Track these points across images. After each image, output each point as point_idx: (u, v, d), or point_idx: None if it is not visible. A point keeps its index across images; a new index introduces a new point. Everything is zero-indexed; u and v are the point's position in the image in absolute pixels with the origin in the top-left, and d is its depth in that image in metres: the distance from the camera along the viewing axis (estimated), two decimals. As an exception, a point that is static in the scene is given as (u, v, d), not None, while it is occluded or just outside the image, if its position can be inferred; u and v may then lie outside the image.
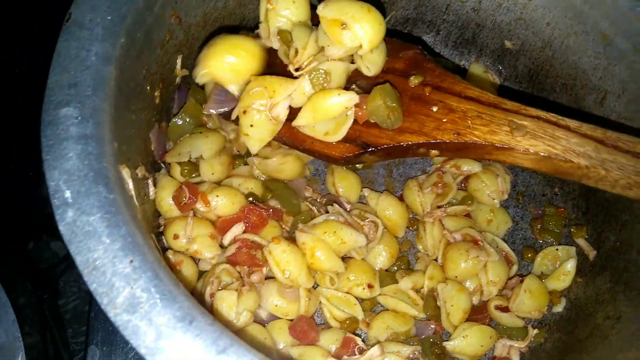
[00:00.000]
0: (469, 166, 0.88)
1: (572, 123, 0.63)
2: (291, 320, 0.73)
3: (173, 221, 0.72)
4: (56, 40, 0.57)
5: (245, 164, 0.83)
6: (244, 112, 0.70)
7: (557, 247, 0.83)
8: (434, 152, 0.70)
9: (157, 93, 0.73)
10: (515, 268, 0.83)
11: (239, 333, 0.64)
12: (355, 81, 0.73)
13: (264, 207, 0.77)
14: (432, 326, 0.77)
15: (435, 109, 0.69)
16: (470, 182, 0.89)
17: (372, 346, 0.71)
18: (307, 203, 0.82)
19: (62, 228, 0.46)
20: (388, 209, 0.85)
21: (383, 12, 0.72)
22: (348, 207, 0.85)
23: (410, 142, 0.69)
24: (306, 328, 0.71)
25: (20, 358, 0.74)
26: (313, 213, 0.81)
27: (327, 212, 0.81)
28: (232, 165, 0.82)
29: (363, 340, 0.74)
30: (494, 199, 0.87)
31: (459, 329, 0.76)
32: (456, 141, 0.67)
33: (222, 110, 0.74)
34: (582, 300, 0.78)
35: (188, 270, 0.71)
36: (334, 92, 0.69)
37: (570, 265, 0.80)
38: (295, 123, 0.71)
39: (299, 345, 0.71)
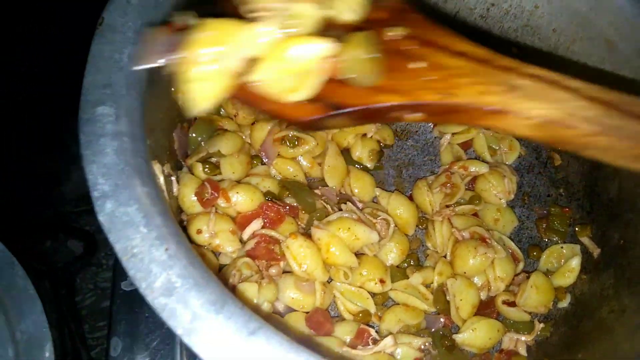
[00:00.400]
0: (476, 167, 0.92)
1: (579, 84, 0.54)
2: (307, 312, 0.76)
3: (196, 217, 0.75)
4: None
5: (262, 163, 0.87)
6: (187, 62, 0.55)
7: (562, 245, 0.86)
8: (417, 115, 0.59)
9: (180, 94, 0.76)
10: (521, 265, 0.85)
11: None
12: (325, 32, 0.59)
13: (281, 204, 0.81)
14: (441, 320, 0.80)
15: (418, 65, 0.58)
16: (477, 182, 0.92)
17: (384, 337, 0.74)
18: (322, 201, 0.85)
19: (101, 218, 0.49)
20: (399, 207, 0.88)
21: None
22: (360, 205, 0.88)
23: (390, 103, 0.58)
24: (322, 320, 0.74)
25: (48, 347, 0.77)
26: (327, 211, 0.84)
27: (340, 210, 0.84)
28: (251, 165, 0.85)
29: (376, 332, 0.77)
30: (500, 199, 0.90)
31: (468, 323, 0.79)
32: (443, 102, 0.57)
33: (159, 61, 0.56)
34: (586, 295, 0.81)
35: (209, 263, 0.74)
36: (305, 39, 0.56)
37: (575, 263, 0.83)
38: (251, 77, 0.56)
39: (315, 336, 0.74)
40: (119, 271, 0.93)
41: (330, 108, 0.60)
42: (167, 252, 0.48)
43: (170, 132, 0.75)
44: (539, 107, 0.54)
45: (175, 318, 0.45)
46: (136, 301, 0.91)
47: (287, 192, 0.84)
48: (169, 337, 0.86)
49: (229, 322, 0.46)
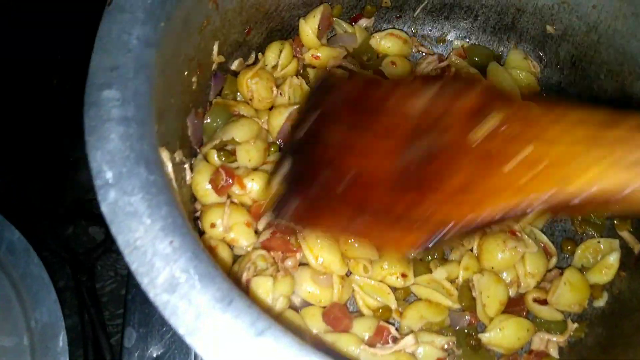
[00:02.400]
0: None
1: None
2: (324, 307, 0.73)
3: (209, 209, 0.73)
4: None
5: (279, 150, 0.83)
6: None
7: (599, 240, 0.81)
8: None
9: (194, 79, 0.73)
10: (554, 260, 0.80)
11: (277, 318, 0.64)
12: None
13: (298, 193, 0.77)
14: (467, 317, 0.76)
15: (524, 153, 0.49)
16: (508, 172, 0.87)
17: (405, 335, 0.70)
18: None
19: (104, 208, 0.47)
20: (423, 198, 0.83)
21: None
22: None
23: (496, 214, 0.50)
24: (339, 315, 0.71)
25: (61, 336, 0.77)
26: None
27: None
28: (268, 152, 0.82)
29: (396, 329, 0.73)
30: (532, 189, 0.84)
31: (495, 321, 0.74)
32: (559, 198, 0.47)
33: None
34: (625, 294, 0.75)
35: (223, 253, 0.72)
36: None
37: (613, 258, 0.77)
38: None
39: (332, 332, 0.71)
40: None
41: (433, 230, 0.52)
42: (171, 244, 0.45)
43: (184, 118, 0.72)
44: None
45: (177, 316, 0.43)
46: (152, 291, 0.90)
47: (305, 181, 0.81)
48: (184, 328, 0.84)
49: (236, 320, 0.43)
